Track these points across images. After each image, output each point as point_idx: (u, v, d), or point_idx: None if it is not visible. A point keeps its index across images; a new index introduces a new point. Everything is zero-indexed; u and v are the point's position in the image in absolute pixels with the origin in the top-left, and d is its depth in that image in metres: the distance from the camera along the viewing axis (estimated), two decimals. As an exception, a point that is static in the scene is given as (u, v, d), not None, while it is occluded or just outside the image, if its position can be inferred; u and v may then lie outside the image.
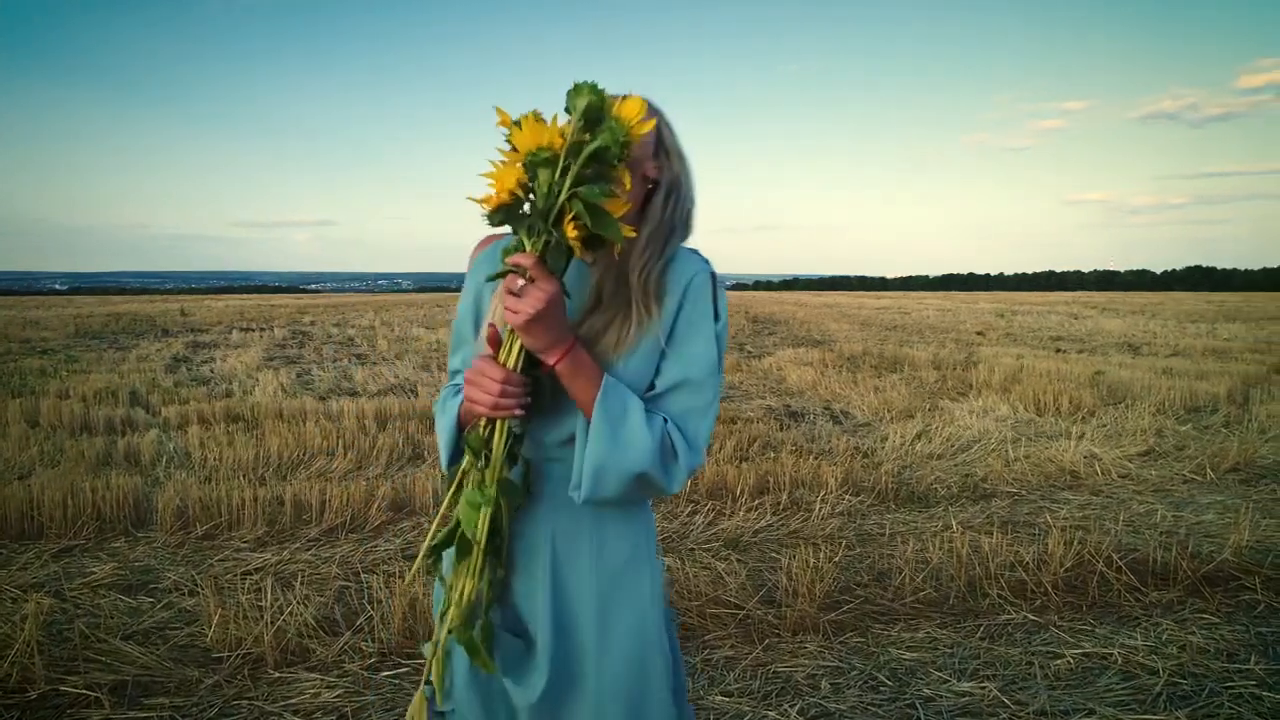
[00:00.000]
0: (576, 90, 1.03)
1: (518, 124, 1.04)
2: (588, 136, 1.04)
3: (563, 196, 1.03)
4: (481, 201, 1.06)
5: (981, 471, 5.04)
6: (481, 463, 1.12)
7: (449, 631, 1.13)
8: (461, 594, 1.12)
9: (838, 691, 2.54)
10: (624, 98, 1.07)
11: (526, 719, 1.20)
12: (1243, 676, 2.59)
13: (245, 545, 3.74)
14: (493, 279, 1.11)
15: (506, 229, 1.10)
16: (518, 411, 1.10)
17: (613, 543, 1.21)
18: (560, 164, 1.03)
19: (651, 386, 1.18)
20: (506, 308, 1.06)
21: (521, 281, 1.05)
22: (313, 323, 19.15)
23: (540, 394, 1.15)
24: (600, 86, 1.04)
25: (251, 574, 3.39)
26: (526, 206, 1.08)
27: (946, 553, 3.47)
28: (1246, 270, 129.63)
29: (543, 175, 1.04)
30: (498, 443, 1.11)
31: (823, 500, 4.32)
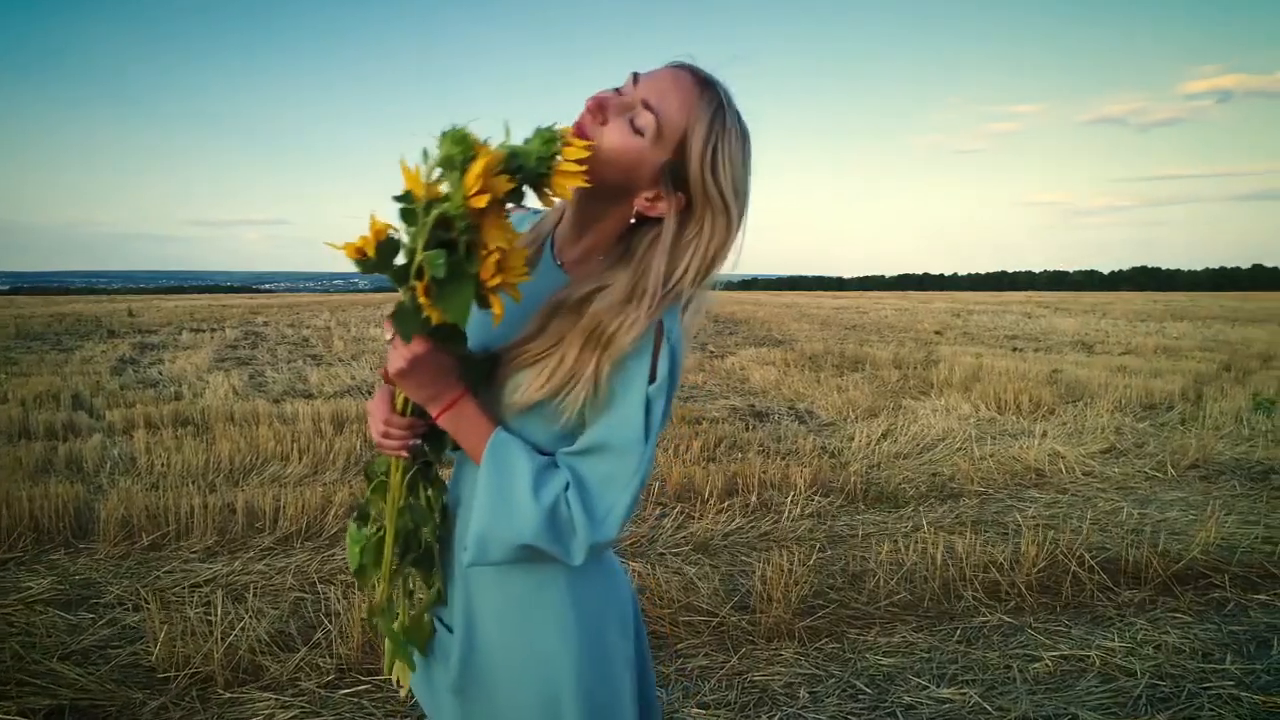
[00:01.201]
0: (442, 137, 0.89)
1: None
2: (443, 192, 0.90)
3: (418, 257, 0.90)
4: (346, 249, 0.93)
5: (948, 471, 5.04)
6: (368, 493, 1.11)
7: (373, 618, 1.17)
8: (375, 589, 1.14)
9: (816, 701, 2.47)
10: (473, 156, 0.88)
11: (453, 707, 1.17)
12: (1220, 677, 2.58)
13: (194, 556, 3.57)
14: (389, 317, 0.98)
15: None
16: (402, 454, 1.05)
17: (516, 570, 1.08)
18: (419, 219, 0.90)
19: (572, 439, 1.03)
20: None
21: (390, 334, 0.97)
22: (266, 323, 18.66)
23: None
24: (471, 135, 0.89)
25: (200, 587, 3.22)
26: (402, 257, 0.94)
27: (920, 554, 3.43)
28: (1190, 270, 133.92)
29: (406, 227, 0.92)
30: (394, 472, 1.07)
31: (792, 501, 4.27)
